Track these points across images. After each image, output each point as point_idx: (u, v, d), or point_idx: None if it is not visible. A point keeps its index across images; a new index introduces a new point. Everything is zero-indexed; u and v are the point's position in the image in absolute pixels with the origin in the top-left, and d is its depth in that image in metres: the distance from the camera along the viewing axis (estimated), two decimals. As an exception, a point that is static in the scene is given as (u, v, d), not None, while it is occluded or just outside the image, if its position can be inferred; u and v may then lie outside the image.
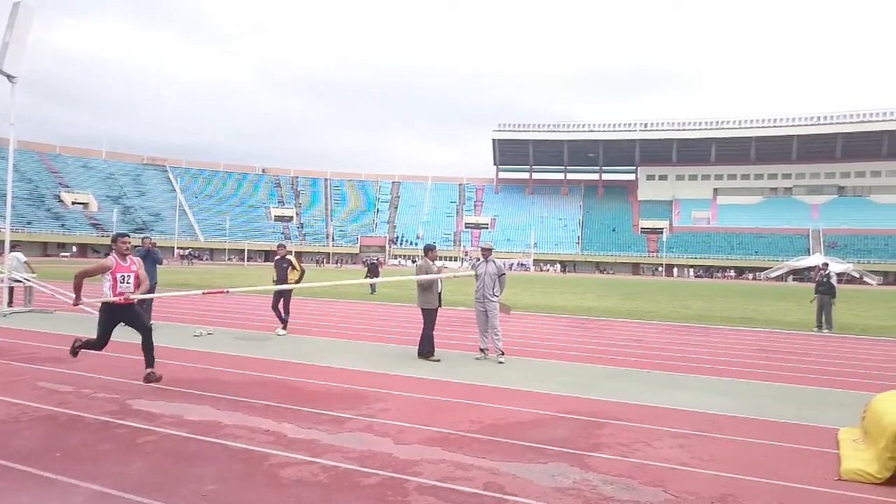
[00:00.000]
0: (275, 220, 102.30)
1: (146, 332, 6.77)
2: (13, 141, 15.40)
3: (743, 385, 8.03)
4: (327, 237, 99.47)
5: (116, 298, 6.54)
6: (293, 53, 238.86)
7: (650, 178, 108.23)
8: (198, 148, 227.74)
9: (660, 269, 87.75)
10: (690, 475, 4.44)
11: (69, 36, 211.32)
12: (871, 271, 75.63)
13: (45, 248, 75.92)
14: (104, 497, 3.73)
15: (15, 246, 14.80)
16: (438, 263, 9.55)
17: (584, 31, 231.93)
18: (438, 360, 8.95)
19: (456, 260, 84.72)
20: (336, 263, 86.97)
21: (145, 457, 4.45)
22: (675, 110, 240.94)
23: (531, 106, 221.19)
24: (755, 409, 6.59)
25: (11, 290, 14.25)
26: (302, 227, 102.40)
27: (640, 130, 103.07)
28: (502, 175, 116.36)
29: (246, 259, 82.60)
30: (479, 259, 9.80)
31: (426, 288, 9.17)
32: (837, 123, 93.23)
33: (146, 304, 10.60)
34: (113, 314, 6.64)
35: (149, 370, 6.71)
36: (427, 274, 9.13)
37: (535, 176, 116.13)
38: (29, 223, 76.68)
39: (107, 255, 6.90)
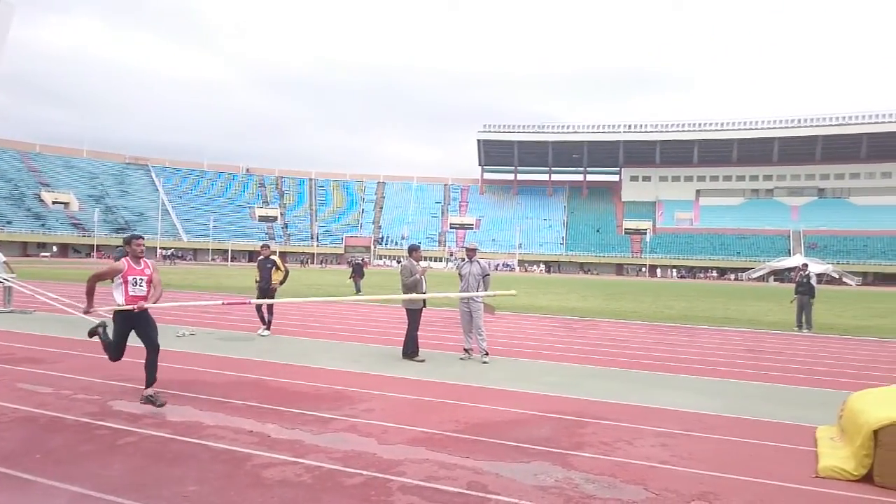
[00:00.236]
0: (259, 221, 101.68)
1: (153, 349, 6.11)
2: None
3: (725, 384, 8.11)
4: (312, 237, 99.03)
5: (130, 307, 5.97)
6: (278, 53, 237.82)
7: (634, 179, 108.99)
8: (181, 147, 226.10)
9: (643, 269, 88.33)
10: (671, 473, 4.48)
11: (51, 34, 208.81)
12: (850, 272, 76.69)
13: (24, 248, 74.89)
14: (84, 499, 3.70)
15: (-7, 246, 14.59)
16: (423, 264, 9.56)
17: (569, 33, 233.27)
18: (423, 361, 8.95)
19: (441, 260, 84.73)
20: (321, 264, 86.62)
21: (126, 458, 4.42)
22: (658, 112, 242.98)
23: (516, 107, 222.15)
24: (736, 408, 6.67)
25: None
26: (286, 228, 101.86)
27: (624, 132, 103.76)
28: (487, 176, 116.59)
29: (230, 259, 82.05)
30: (463, 259, 9.82)
31: (410, 288, 9.17)
32: (817, 126, 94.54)
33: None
34: (126, 320, 6.08)
35: (148, 391, 6.02)
36: (411, 275, 9.12)
37: (520, 177, 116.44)
38: (9, 223, 75.70)
39: (118, 258, 6.61)
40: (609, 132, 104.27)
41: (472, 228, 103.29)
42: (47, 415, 5.47)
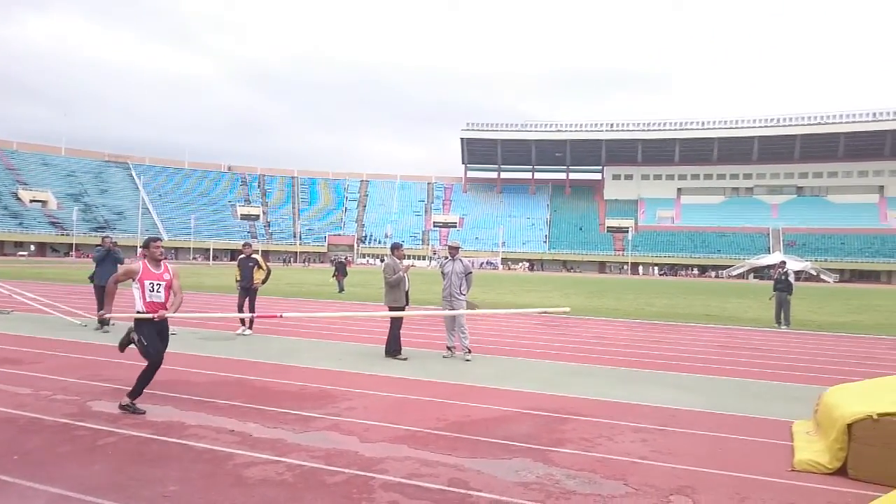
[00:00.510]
0: (241, 219, 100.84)
1: (156, 364, 5.74)
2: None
3: (704, 380, 8.22)
4: (294, 236, 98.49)
5: (150, 315, 5.59)
6: (259, 50, 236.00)
7: (616, 177, 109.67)
8: (162, 145, 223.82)
9: (625, 267, 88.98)
10: (651, 468, 4.54)
11: (27, 30, 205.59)
12: (828, 269, 77.72)
13: (1, 248, 73.79)
14: (64, 500, 3.67)
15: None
16: (406, 262, 9.57)
17: (553, 33, 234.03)
18: (405, 359, 8.97)
19: (424, 259, 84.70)
20: (303, 263, 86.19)
21: (106, 458, 4.39)
22: (640, 111, 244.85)
23: (500, 106, 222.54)
24: (715, 403, 6.76)
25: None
26: (269, 226, 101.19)
27: (606, 130, 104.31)
28: (471, 174, 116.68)
29: (211, 258, 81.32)
30: (446, 258, 9.84)
31: (393, 286, 9.18)
32: (796, 125, 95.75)
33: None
34: (149, 324, 5.66)
35: (128, 401, 5.60)
36: (394, 273, 9.13)
37: (504, 175, 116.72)
38: (-15, 221, 74.46)
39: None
40: (591, 131, 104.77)
41: (455, 227, 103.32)
42: (26, 416, 5.40)
